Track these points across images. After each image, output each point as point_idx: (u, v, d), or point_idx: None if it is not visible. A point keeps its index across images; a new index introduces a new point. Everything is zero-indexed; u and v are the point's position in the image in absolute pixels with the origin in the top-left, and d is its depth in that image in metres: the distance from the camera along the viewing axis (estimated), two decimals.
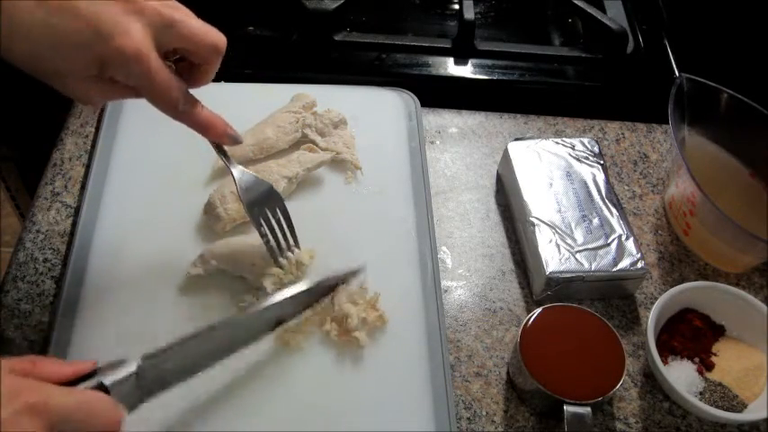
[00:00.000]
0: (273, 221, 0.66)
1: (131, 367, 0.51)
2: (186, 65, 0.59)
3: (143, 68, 0.53)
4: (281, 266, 0.67)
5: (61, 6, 0.50)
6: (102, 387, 0.49)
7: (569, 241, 0.71)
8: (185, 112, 0.57)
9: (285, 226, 0.67)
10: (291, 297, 0.62)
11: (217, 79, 0.84)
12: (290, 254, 0.67)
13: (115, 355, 0.52)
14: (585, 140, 0.80)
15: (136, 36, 0.52)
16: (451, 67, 0.91)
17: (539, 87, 0.91)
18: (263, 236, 0.65)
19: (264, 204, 0.65)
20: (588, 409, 0.61)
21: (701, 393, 0.66)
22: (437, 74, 0.90)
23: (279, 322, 0.63)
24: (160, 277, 0.67)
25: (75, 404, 0.45)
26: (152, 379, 0.53)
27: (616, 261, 0.70)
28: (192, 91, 0.59)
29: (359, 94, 0.84)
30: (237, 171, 0.64)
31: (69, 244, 0.71)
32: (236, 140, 0.62)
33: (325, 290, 0.65)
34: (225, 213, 0.69)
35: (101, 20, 0.51)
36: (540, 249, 0.70)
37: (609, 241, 0.71)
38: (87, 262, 0.68)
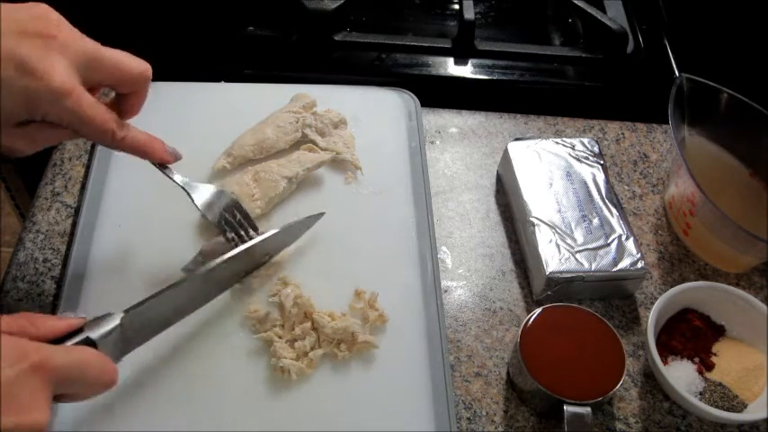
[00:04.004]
0: (236, 224, 0.68)
1: (115, 321, 0.53)
2: (111, 102, 0.59)
3: (73, 102, 0.52)
4: None
5: None
6: (89, 342, 0.51)
7: (569, 241, 0.71)
8: (123, 139, 0.57)
9: (246, 223, 0.68)
10: (254, 246, 0.65)
11: (217, 79, 0.85)
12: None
13: None
14: (585, 140, 0.80)
15: (61, 72, 0.51)
16: (451, 67, 0.91)
17: (539, 87, 0.91)
18: (230, 240, 0.67)
19: (226, 211, 0.67)
20: (588, 409, 0.61)
21: (700, 393, 0.66)
22: (437, 74, 0.90)
23: (246, 272, 0.67)
24: (160, 277, 0.67)
25: (74, 362, 0.47)
26: (134, 331, 0.55)
27: (616, 261, 0.70)
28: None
29: (359, 94, 0.84)
30: (195, 189, 0.66)
31: (69, 244, 0.71)
32: (176, 157, 0.63)
33: (292, 233, 0.69)
34: None
35: (22, 55, 0.50)
36: (540, 249, 0.70)
37: (609, 241, 0.71)
38: (87, 262, 0.68)
